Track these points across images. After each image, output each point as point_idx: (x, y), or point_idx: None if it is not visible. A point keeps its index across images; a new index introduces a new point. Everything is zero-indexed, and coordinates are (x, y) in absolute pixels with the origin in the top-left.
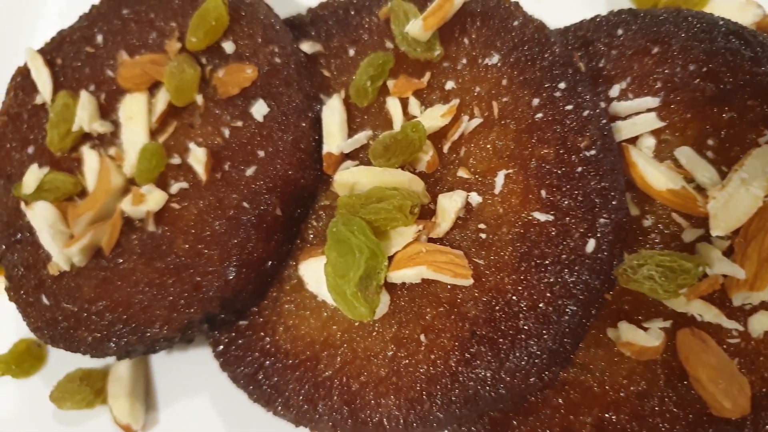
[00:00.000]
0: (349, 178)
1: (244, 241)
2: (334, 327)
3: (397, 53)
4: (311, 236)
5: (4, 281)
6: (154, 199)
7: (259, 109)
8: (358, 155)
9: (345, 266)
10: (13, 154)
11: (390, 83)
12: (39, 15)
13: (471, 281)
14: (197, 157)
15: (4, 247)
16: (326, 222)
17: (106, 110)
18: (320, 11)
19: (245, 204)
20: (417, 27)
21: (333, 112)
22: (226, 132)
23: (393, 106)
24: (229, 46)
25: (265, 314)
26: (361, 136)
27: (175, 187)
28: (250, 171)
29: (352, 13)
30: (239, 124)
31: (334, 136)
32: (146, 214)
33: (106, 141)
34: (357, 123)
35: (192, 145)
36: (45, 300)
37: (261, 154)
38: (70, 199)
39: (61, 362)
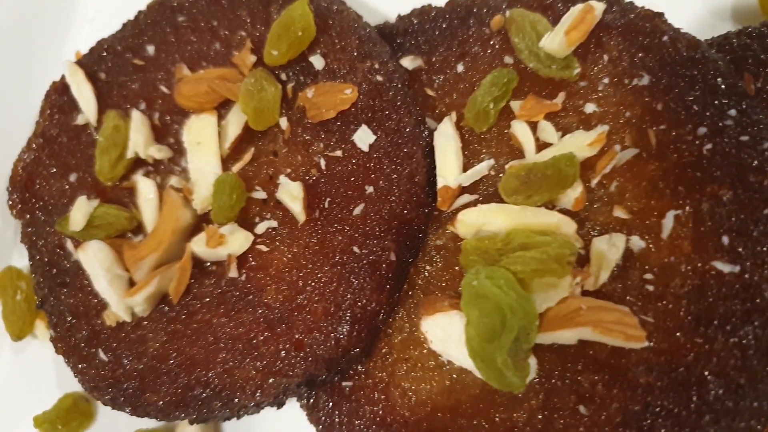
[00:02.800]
0: (477, 218)
1: (356, 293)
2: (463, 392)
3: (518, 70)
4: (421, 282)
5: (45, 329)
6: (237, 240)
7: (364, 137)
8: (477, 188)
9: (492, 328)
10: (52, 182)
11: (514, 105)
12: (69, 20)
13: (645, 343)
14: (291, 193)
15: (46, 290)
16: (441, 266)
17: (161, 133)
18: (415, 19)
19: (355, 249)
20: (557, 42)
21: (447, 139)
22: (322, 163)
23: (521, 131)
24: (317, 61)
25: (374, 374)
26: (483, 167)
27: (261, 227)
28: (357, 210)
29: (456, 22)
30: (338, 153)
31: (451, 167)
32: (228, 258)
33: (164, 168)
34: (470, 150)
35: (283, 179)
36: (102, 355)
37: (370, 189)
38: (123, 235)
39: (113, 419)
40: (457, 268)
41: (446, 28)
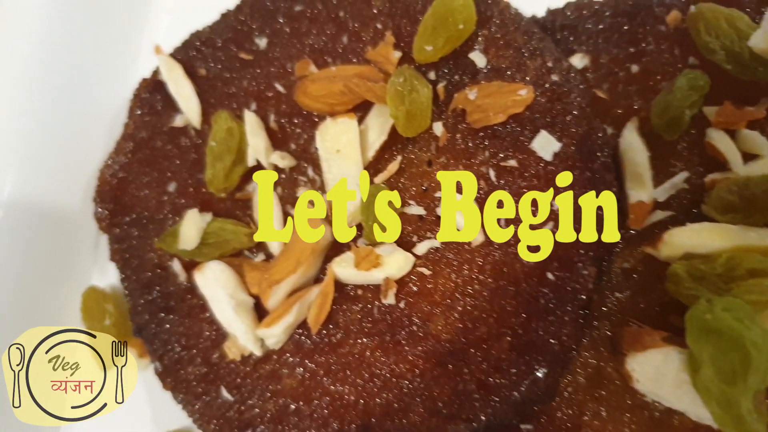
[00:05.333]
0: (689, 240)
1: (553, 325)
2: None
3: (705, 71)
4: (606, 310)
5: (137, 357)
6: (396, 262)
7: (545, 144)
8: (670, 204)
9: (731, 368)
10: (147, 193)
11: (708, 111)
12: (145, 11)
13: None
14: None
15: (147, 316)
16: (631, 292)
17: (277, 137)
18: (570, 14)
19: (549, 275)
20: None
21: (635, 148)
22: (491, 173)
23: (722, 141)
24: (479, 58)
25: (559, 416)
26: (679, 179)
27: (422, 247)
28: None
29: (623, 18)
30: (512, 163)
31: (643, 180)
32: (385, 282)
33: (284, 178)
34: (657, 161)
35: None
36: (226, 394)
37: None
38: (238, 254)
39: None
40: (653, 294)
41: (611, 24)
